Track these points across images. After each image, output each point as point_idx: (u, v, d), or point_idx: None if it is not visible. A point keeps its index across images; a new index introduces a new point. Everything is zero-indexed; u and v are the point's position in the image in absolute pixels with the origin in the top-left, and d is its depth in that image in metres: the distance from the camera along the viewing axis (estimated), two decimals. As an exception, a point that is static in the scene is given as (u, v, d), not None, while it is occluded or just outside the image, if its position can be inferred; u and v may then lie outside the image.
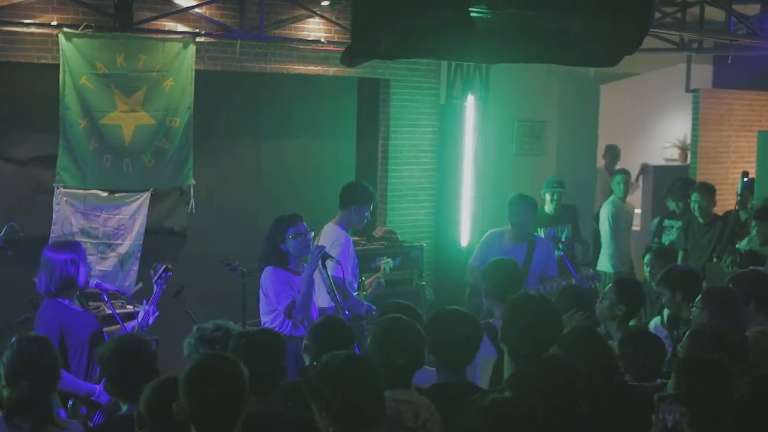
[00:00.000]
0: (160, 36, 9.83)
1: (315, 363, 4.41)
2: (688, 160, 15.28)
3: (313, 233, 7.79)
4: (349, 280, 8.26)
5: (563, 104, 14.90)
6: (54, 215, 9.57)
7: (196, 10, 10.00)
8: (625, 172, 12.90)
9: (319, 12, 10.82)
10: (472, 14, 7.39)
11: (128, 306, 8.50)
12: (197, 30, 10.08)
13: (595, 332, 5.66)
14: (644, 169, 15.77)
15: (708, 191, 10.91)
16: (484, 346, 5.44)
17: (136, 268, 9.86)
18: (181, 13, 9.94)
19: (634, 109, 16.57)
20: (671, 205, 11.81)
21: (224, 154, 11.15)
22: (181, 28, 10.02)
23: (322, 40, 10.93)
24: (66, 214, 9.61)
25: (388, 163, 12.04)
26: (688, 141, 15.47)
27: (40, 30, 9.26)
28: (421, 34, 7.48)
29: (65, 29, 9.26)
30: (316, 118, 11.78)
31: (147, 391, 4.21)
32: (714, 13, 11.88)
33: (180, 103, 9.96)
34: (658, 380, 5.54)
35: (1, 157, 9.69)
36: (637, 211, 14.67)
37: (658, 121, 16.83)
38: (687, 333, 5.81)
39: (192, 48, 9.94)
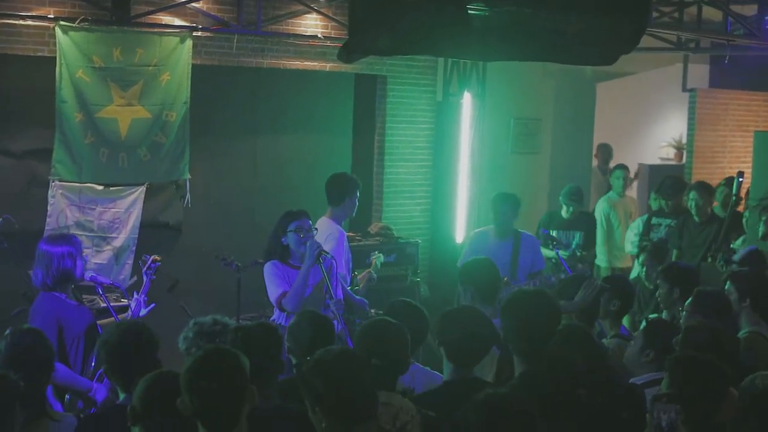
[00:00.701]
0: (157, 30, 9.83)
1: (305, 360, 4.42)
2: (684, 160, 15.29)
3: (317, 231, 7.78)
4: (343, 274, 8.26)
5: (559, 102, 14.91)
6: (49, 208, 9.56)
7: (194, 4, 9.99)
8: (624, 167, 12.92)
9: (316, 7, 10.82)
10: (469, 12, 7.39)
11: (123, 299, 8.49)
12: (194, 24, 10.07)
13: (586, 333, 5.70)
14: (640, 169, 15.77)
15: (705, 190, 10.91)
16: None
17: (131, 261, 9.86)
18: (178, 8, 9.94)
19: (630, 108, 16.58)
20: (653, 204, 11.87)
21: (220, 149, 11.15)
22: (178, 22, 10.01)
23: (319, 35, 10.93)
24: (61, 207, 9.61)
25: (384, 159, 12.04)
26: (684, 140, 15.48)
27: (37, 23, 9.25)
28: (418, 31, 7.47)
29: (62, 22, 9.25)
30: (312, 113, 11.78)
31: (141, 385, 4.19)
32: (711, 13, 11.89)
33: (176, 97, 9.96)
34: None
35: (-3, 149, 9.70)
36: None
37: (654, 121, 16.84)
38: (682, 333, 5.82)
39: (189, 42, 9.94)
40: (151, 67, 9.78)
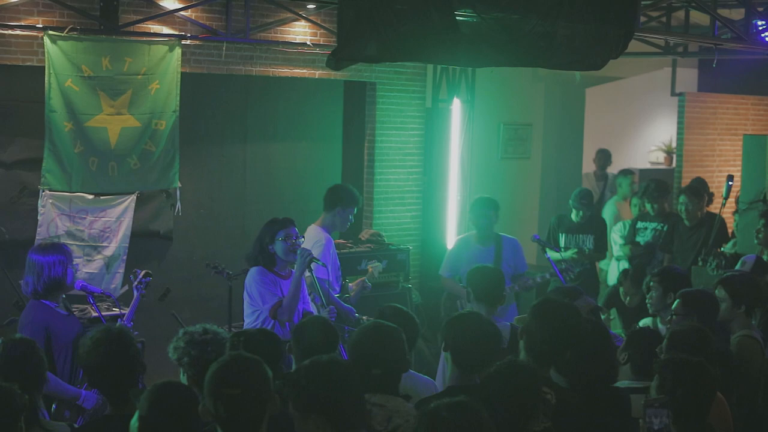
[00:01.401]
0: (145, 39, 9.82)
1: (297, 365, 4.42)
2: (674, 164, 15.33)
3: (303, 239, 7.79)
4: (330, 281, 8.27)
5: (549, 108, 14.94)
6: (39, 218, 9.55)
7: (182, 13, 9.99)
8: (632, 173, 12.97)
9: (304, 15, 10.83)
10: (458, 18, 7.41)
11: (114, 309, 8.50)
12: (183, 33, 10.07)
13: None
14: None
15: (695, 194, 10.94)
16: None
17: (122, 270, 9.84)
18: (167, 16, 9.94)
19: (619, 113, 16.61)
20: (634, 209, 11.90)
21: (210, 157, 11.15)
22: (166, 30, 10.01)
23: (308, 43, 10.93)
24: (51, 216, 9.59)
25: (374, 166, 12.04)
26: (674, 144, 15.52)
27: (26, 32, 9.24)
28: (407, 38, 7.48)
29: (50, 32, 9.24)
30: (302, 120, 11.78)
31: (149, 393, 4.18)
32: (699, 18, 11.93)
33: (166, 105, 9.95)
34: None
35: (-14, 159, 9.69)
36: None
37: (644, 125, 16.87)
38: (666, 335, 5.83)
39: (177, 51, 9.93)
40: (140, 76, 9.78)
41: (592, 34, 7.80)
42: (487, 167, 13.58)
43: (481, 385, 4.71)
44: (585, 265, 10.70)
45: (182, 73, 10.00)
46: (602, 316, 7.36)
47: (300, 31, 10.94)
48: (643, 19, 11.13)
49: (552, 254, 9.92)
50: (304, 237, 7.87)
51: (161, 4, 9.89)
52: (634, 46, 9.43)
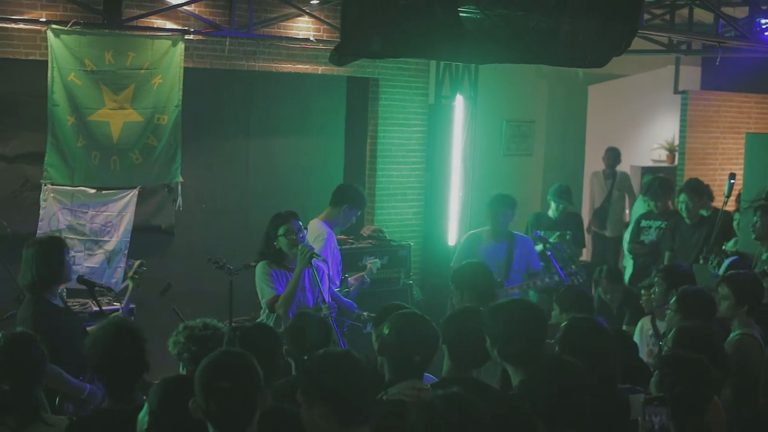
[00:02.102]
0: (148, 33, 9.82)
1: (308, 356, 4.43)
2: (676, 162, 15.31)
3: (307, 231, 7.80)
4: (330, 275, 8.28)
5: (551, 105, 14.93)
6: (41, 212, 9.55)
7: (185, 7, 9.99)
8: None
9: (308, 10, 10.83)
10: (461, 14, 7.39)
11: (115, 303, 8.49)
12: (186, 28, 10.07)
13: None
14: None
15: (696, 192, 10.91)
16: None
17: (123, 265, 9.83)
18: (170, 11, 9.94)
19: (622, 110, 16.58)
20: (643, 206, 11.87)
21: (213, 152, 11.15)
22: (170, 25, 10.01)
23: (311, 38, 10.93)
24: (53, 210, 9.60)
25: (377, 162, 12.04)
26: (676, 142, 15.49)
27: (29, 26, 9.24)
28: (410, 34, 7.47)
29: (54, 26, 9.24)
30: (305, 116, 11.78)
31: (159, 387, 4.19)
32: (703, 15, 11.90)
33: (168, 100, 9.95)
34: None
35: (-11, 153, 9.69)
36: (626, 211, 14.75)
37: (646, 123, 16.84)
38: (671, 332, 5.83)
39: (181, 46, 9.93)
40: (143, 71, 9.78)
41: (596, 31, 7.78)
42: (490, 164, 13.58)
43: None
44: (578, 272, 10.54)
45: (185, 68, 10.00)
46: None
47: (303, 27, 10.94)
48: (646, 16, 11.12)
49: (540, 247, 9.96)
50: (307, 229, 7.88)
51: (164, -2, 9.89)
52: (637, 43, 9.41)
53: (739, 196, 10.87)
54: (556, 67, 12.49)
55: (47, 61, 9.28)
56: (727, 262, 8.81)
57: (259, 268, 7.66)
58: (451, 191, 12.65)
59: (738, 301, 6.81)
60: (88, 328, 6.72)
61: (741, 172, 11.18)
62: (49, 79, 9.31)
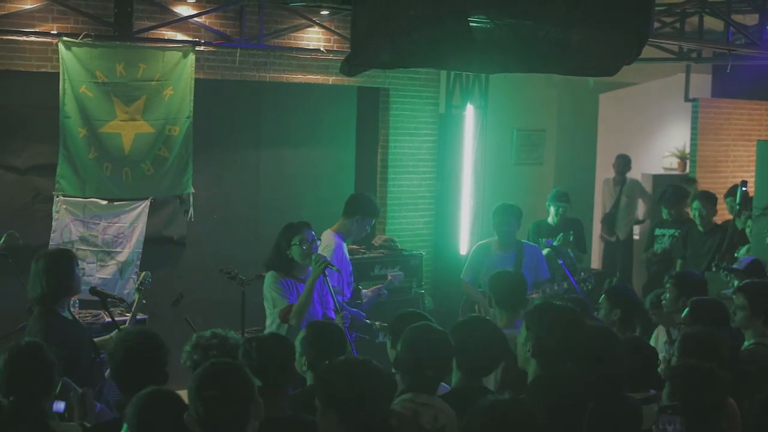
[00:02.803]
0: (159, 45, 9.85)
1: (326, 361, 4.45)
2: (687, 170, 15.28)
3: (320, 242, 7.81)
4: (339, 287, 8.28)
5: (562, 114, 14.92)
6: (53, 223, 9.58)
7: (196, 19, 10.02)
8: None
9: (318, 21, 10.85)
10: (471, 24, 7.40)
11: (127, 314, 8.49)
12: (197, 39, 10.10)
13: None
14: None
15: (709, 200, 10.90)
16: None
17: (135, 276, 9.86)
18: (181, 23, 9.97)
19: (633, 119, 16.55)
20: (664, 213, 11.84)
21: (224, 163, 11.17)
22: (180, 37, 10.04)
23: (322, 49, 10.95)
24: (65, 222, 9.62)
25: (388, 171, 12.05)
26: (687, 150, 15.47)
27: (40, 39, 9.28)
28: (420, 44, 7.48)
29: (65, 38, 9.28)
30: (315, 126, 11.80)
31: (135, 403, 4.18)
32: (713, 23, 11.90)
33: (179, 111, 9.98)
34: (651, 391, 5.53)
35: (1, 165, 9.73)
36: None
37: (657, 131, 16.81)
38: (677, 339, 5.81)
39: (191, 57, 9.96)
40: (154, 82, 9.81)
41: (606, 40, 7.77)
42: (500, 173, 13.57)
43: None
44: (587, 277, 10.45)
45: (196, 79, 10.02)
46: None
47: (314, 38, 10.97)
48: (656, 24, 11.13)
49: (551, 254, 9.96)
50: (320, 239, 7.89)
51: (175, 10, 9.91)
52: (647, 51, 9.40)
53: (750, 202, 10.80)
54: (566, 76, 12.48)
55: (58, 73, 9.32)
56: (745, 261, 8.75)
57: (269, 278, 7.66)
58: (461, 200, 12.65)
59: (754, 311, 6.77)
60: (96, 339, 6.75)
61: (752, 179, 11.16)
62: (60, 91, 9.35)
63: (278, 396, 4.76)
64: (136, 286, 7.42)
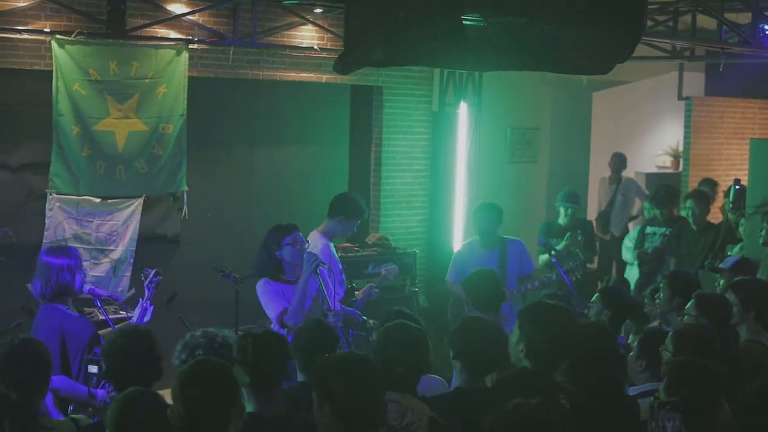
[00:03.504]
0: (153, 43, 9.85)
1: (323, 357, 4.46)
2: (680, 168, 15.31)
3: (308, 244, 7.79)
4: (332, 288, 8.26)
5: (556, 112, 14.94)
6: (47, 221, 9.57)
7: (189, 17, 10.01)
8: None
9: (311, 19, 10.84)
10: (465, 22, 7.40)
11: (121, 312, 8.49)
12: (190, 37, 10.09)
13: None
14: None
15: (702, 199, 10.92)
16: None
17: (128, 274, 9.86)
18: (174, 20, 9.96)
19: (626, 117, 16.60)
20: (648, 213, 11.84)
21: (217, 161, 11.17)
22: (173, 35, 10.03)
23: (315, 47, 10.95)
24: (59, 219, 9.61)
25: (381, 169, 12.05)
26: (681, 149, 15.49)
27: (33, 36, 9.27)
28: (414, 42, 7.49)
29: (58, 36, 9.27)
30: (309, 124, 11.79)
31: (114, 405, 4.16)
32: (706, 22, 11.91)
33: (173, 109, 9.97)
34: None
35: (-6, 163, 9.71)
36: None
37: (651, 129, 16.85)
38: (670, 334, 5.81)
39: (185, 55, 9.95)
40: (147, 80, 9.80)
41: (599, 38, 7.78)
42: (494, 171, 13.58)
43: (493, 389, 4.71)
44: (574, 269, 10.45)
45: (189, 77, 10.02)
46: None
47: (307, 36, 10.96)
48: (649, 23, 11.13)
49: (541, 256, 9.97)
50: (309, 242, 7.88)
51: (168, 8, 9.91)
52: (640, 50, 9.42)
53: (744, 201, 10.82)
54: (559, 75, 12.49)
55: (52, 71, 9.31)
56: (731, 260, 8.78)
57: (259, 286, 7.62)
58: (455, 199, 12.66)
59: (744, 308, 6.80)
60: (101, 332, 6.77)
61: (746, 177, 11.18)
62: (53, 89, 9.34)
63: (272, 392, 4.77)
64: (146, 283, 7.39)
